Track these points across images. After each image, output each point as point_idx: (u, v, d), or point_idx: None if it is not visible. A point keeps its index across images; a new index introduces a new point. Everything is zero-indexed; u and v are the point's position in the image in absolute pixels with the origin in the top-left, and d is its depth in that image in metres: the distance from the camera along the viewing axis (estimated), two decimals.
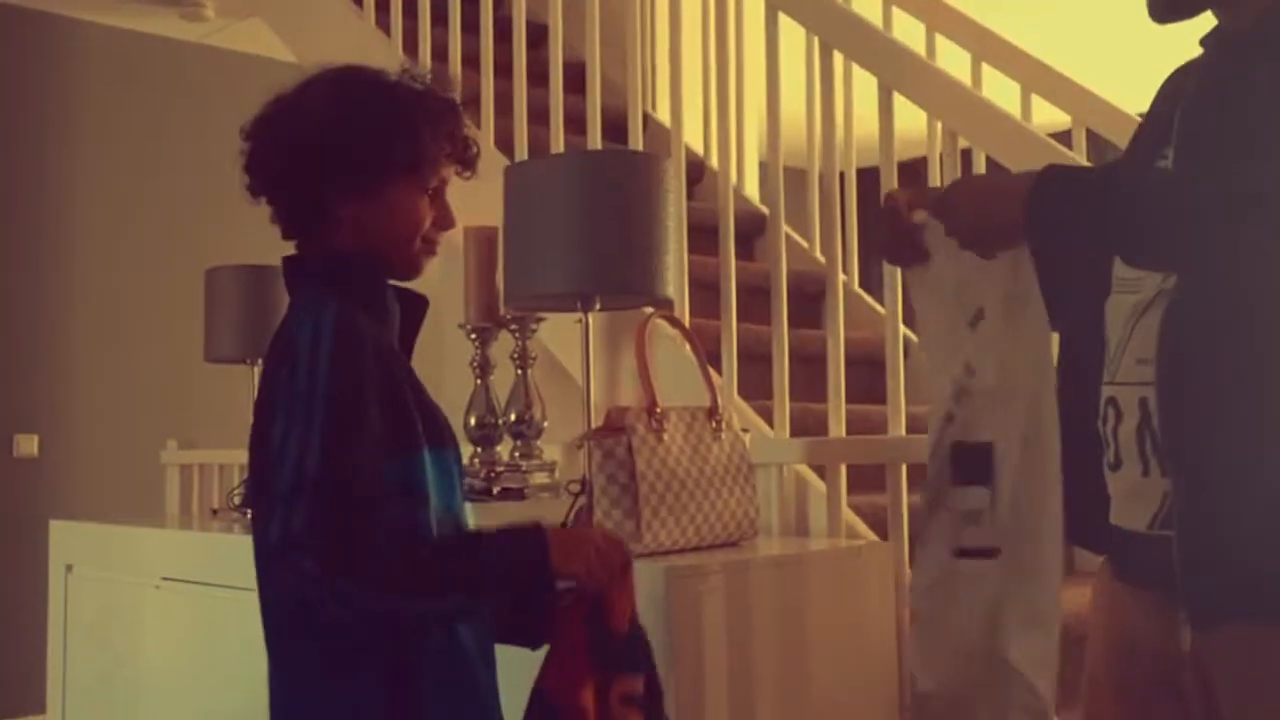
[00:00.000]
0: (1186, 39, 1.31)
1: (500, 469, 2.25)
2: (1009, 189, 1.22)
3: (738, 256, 2.46)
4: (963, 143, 2.18)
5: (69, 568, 2.92)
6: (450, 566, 1.16)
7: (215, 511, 3.05)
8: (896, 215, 1.43)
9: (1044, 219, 1.19)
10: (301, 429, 1.12)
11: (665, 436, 1.82)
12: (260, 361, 2.95)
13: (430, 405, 1.28)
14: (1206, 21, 1.29)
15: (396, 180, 1.27)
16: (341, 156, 1.24)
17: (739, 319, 2.38)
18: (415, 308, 1.34)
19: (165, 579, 2.58)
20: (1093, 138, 2.95)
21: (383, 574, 1.10)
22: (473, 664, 1.25)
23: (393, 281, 1.32)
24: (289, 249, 1.34)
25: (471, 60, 2.96)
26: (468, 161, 1.34)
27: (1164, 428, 1.18)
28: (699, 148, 3.46)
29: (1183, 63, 1.33)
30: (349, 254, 1.27)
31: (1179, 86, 1.29)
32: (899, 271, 2.20)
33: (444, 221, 1.32)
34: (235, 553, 2.48)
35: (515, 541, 1.18)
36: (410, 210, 1.28)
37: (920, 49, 2.85)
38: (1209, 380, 1.15)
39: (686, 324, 2.23)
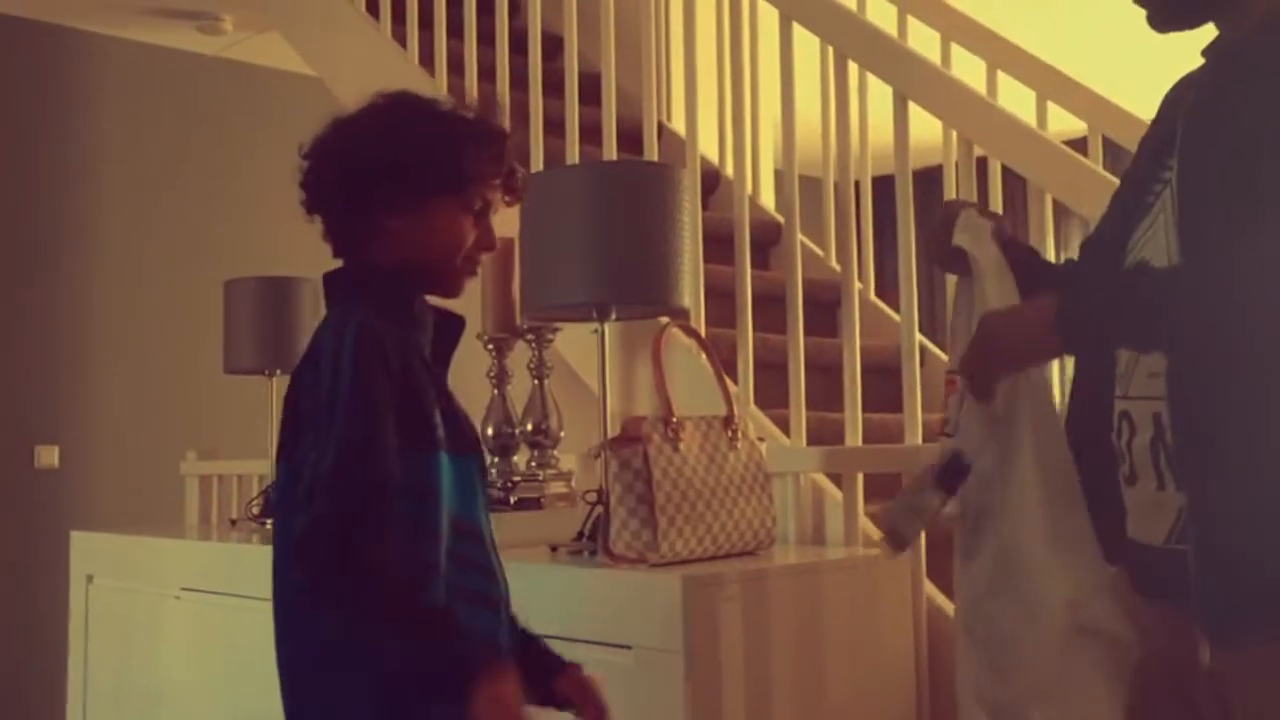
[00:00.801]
0: (1200, 46, 1.31)
1: (517, 479, 2.25)
2: (1032, 322, 1.24)
3: (753, 265, 2.46)
4: (978, 151, 2.18)
5: (89, 578, 2.94)
6: (409, 608, 1.14)
7: (234, 522, 3.07)
8: (946, 231, 1.44)
9: (1076, 338, 1.23)
10: (323, 434, 1.17)
11: (681, 446, 1.82)
12: (280, 373, 2.98)
13: (456, 412, 1.31)
14: (1210, 30, 1.29)
15: (442, 199, 1.31)
16: (389, 173, 1.29)
17: (755, 328, 2.39)
18: (452, 327, 1.38)
19: (185, 589, 2.60)
20: (1108, 145, 2.94)
21: (368, 577, 1.13)
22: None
23: (432, 300, 1.36)
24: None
25: (487, 72, 2.98)
26: (513, 188, 1.37)
27: (1175, 442, 1.18)
28: (714, 157, 3.47)
29: (1187, 72, 1.34)
30: (382, 268, 1.31)
31: (1183, 96, 1.29)
32: (915, 280, 2.20)
33: (486, 242, 1.35)
34: (254, 563, 2.49)
35: (463, 652, 1.14)
36: (454, 229, 1.32)
37: (935, 57, 2.85)
38: (1219, 394, 1.15)
39: (702, 333, 2.24)
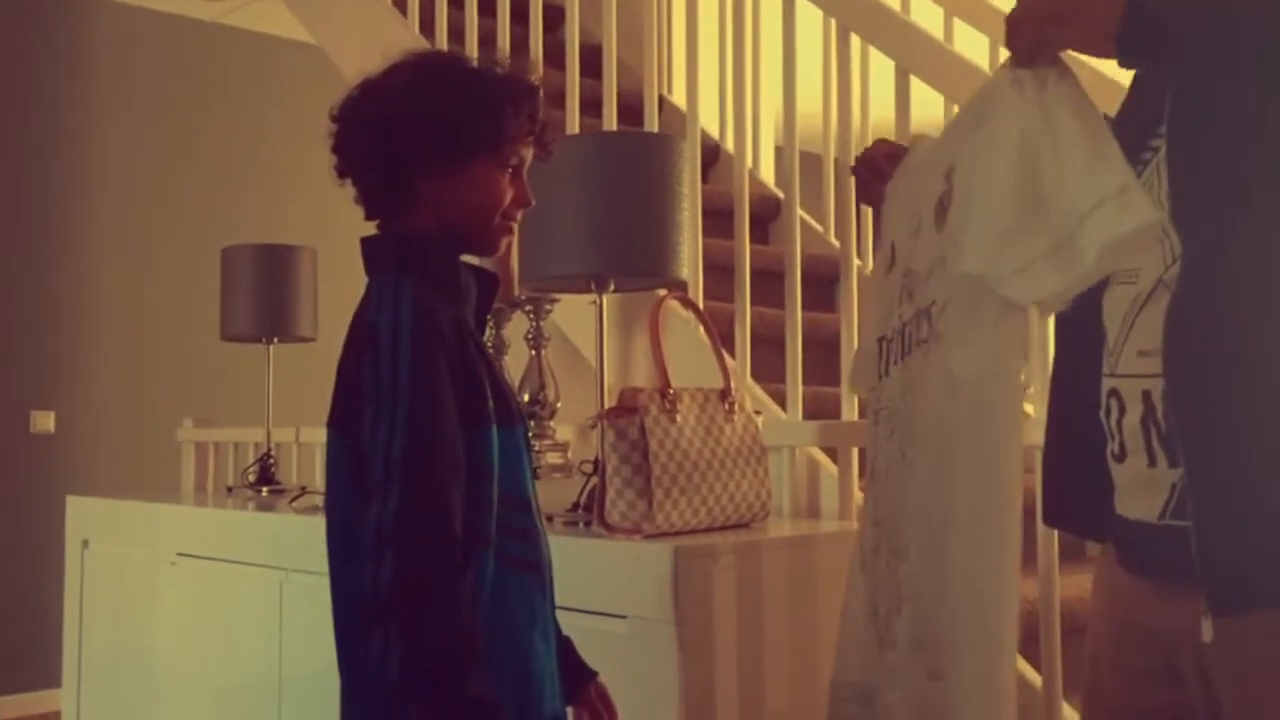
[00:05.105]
0: None
1: None
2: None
3: (753, 240, 2.46)
4: None
5: (85, 543, 2.95)
6: (455, 641, 1.14)
7: (230, 489, 3.08)
8: (873, 160, 1.52)
9: (1139, 31, 1.11)
10: (388, 416, 1.18)
11: (678, 418, 1.83)
12: (277, 340, 2.97)
13: (501, 383, 1.31)
14: None
15: (479, 157, 1.30)
16: (426, 133, 1.27)
17: (753, 303, 2.39)
18: (487, 285, 1.37)
19: (180, 554, 2.61)
20: (1109, 120, 2.93)
21: (441, 589, 1.14)
22: (525, 638, 1.28)
23: (466, 258, 1.35)
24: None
25: (488, 42, 2.97)
26: (545, 144, 1.37)
27: (1177, 419, 1.17)
28: (714, 131, 3.46)
29: None
30: (426, 234, 1.30)
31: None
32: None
33: (522, 199, 1.35)
34: (249, 529, 2.50)
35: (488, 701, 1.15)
36: (492, 187, 1.31)
37: (938, 33, 2.84)
38: (1223, 367, 1.15)
39: (700, 307, 2.23)
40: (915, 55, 2.22)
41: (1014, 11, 1.21)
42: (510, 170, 1.33)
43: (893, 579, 1.35)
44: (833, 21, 2.46)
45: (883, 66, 2.36)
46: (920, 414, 1.32)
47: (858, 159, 1.59)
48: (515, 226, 1.37)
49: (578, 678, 1.39)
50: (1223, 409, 1.14)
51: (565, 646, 1.38)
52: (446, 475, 1.18)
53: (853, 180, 2.31)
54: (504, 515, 1.26)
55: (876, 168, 1.54)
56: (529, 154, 1.35)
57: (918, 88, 2.21)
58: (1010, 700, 1.19)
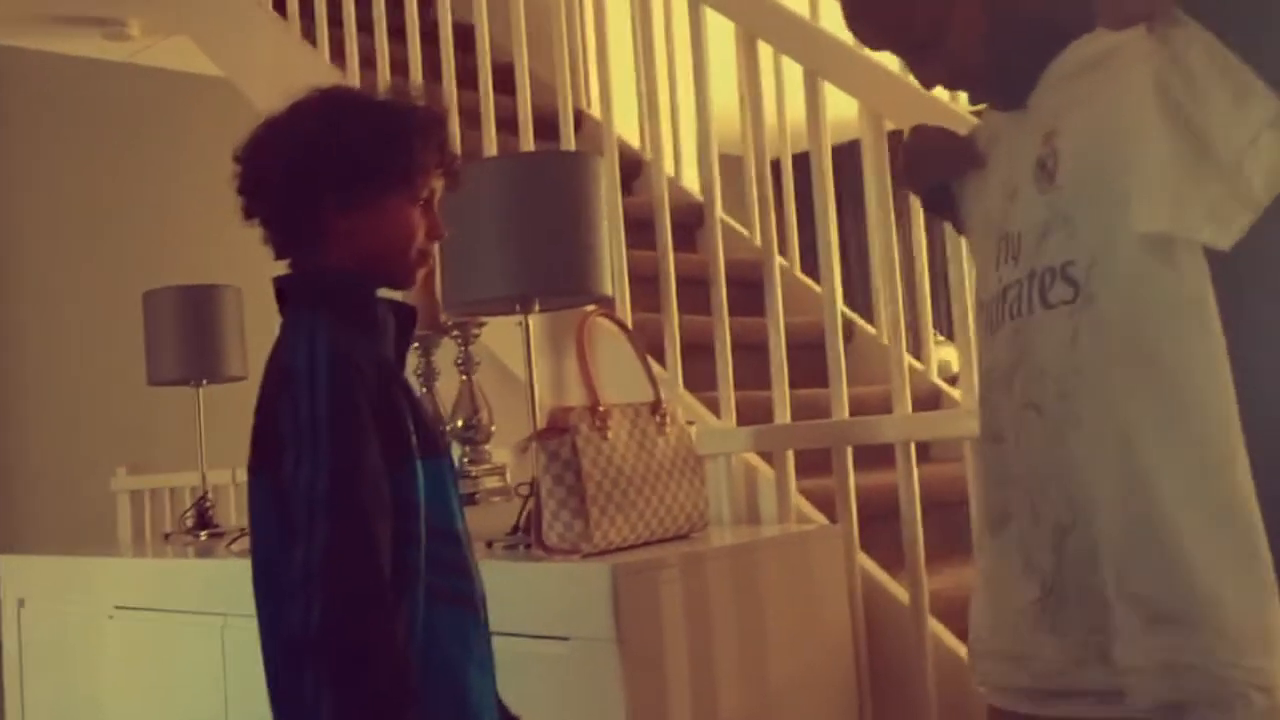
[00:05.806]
0: None
1: None
2: None
3: (682, 248, 2.46)
4: (890, 125, 2.20)
5: (21, 602, 2.88)
6: (389, 685, 1.13)
7: (168, 535, 3.02)
8: (941, 135, 1.43)
9: None
10: (310, 456, 1.16)
11: (610, 434, 1.82)
12: (206, 382, 2.91)
13: (424, 415, 1.30)
14: None
15: (391, 192, 1.29)
16: (337, 170, 1.26)
17: (688, 311, 2.39)
18: (405, 319, 1.36)
19: (119, 607, 2.56)
20: None
21: (371, 628, 1.13)
22: (460, 673, 1.26)
23: (383, 293, 1.34)
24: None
25: (399, 66, 2.95)
26: (453, 174, 1.36)
27: None
28: (636, 142, 3.47)
29: None
30: (339, 272, 1.29)
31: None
32: (834, 247, 2.21)
33: (435, 232, 1.34)
34: (188, 578, 2.46)
35: None
36: (405, 221, 1.30)
37: (848, 36, 2.86)
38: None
39: (629, 320, 2.23)
40: (823, 58, 2.24)
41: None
42: (422, 203, 1.32)
43: (1070, 539, 1.26)
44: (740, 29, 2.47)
45: (796, 67, 2.38)
46: (1084, 374, 1.23)
47: (910, 151, 1.48)
48: (430, 258, 1.37)
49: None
50: None
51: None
52: (371, 513, 1.16)
53: (770, 182, 2.33)
54: (433, 549, 1.25)
55: (933, 149, 1.45)
56: (440, 185, 1.35)
57: (834, 88, 2.23)
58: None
